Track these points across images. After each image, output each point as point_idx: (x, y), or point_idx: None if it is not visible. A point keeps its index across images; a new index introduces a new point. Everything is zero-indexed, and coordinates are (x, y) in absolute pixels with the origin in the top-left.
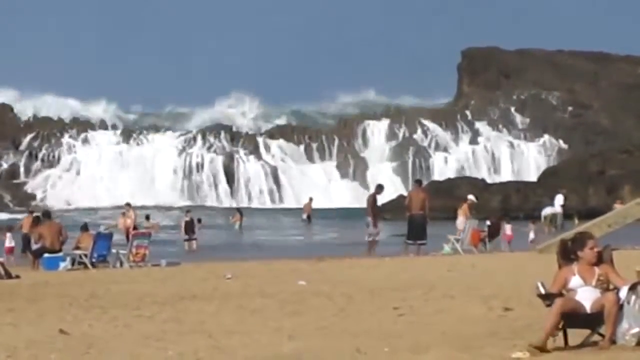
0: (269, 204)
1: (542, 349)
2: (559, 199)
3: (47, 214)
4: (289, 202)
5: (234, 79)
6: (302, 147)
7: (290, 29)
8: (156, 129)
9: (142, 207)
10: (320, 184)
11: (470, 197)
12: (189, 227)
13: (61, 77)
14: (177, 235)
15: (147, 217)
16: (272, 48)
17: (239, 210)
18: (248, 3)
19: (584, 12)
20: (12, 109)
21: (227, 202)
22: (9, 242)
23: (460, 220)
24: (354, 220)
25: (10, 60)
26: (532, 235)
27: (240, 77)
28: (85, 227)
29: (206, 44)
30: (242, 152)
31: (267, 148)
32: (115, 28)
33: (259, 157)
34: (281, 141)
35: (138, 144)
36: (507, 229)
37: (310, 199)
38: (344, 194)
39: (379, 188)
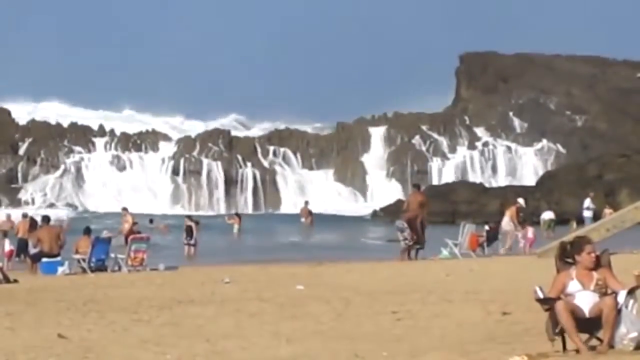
0: (265, 210)
1: (585, 349)
2: (587, 202)
3: (45, 218)
4: (287, 208)
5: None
6: (299, 152)
7: (284, 32)
8: (155, 134)
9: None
10: (318, 190)
11: (520, 200)
12: (189, 232)
13: (58, 83)
14: (173, 240)
15: (151, 221)
16: (267, 49)
17: (238, 214)
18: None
19: (581, 16)
20: (9, 113)
21: (223, 208)
22: (8, 246)
23: (506, 222)
24: (352, 225)
25: (8, 62)
26: (522, 241)
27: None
28: (87, 231)
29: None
30: (239, 157)
31: (265, 153)
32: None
33: (256, 162)
34: (279, 146)
35: (137, 150)
36: (530, 231)
37: (306, 203)
38: (342, 200)
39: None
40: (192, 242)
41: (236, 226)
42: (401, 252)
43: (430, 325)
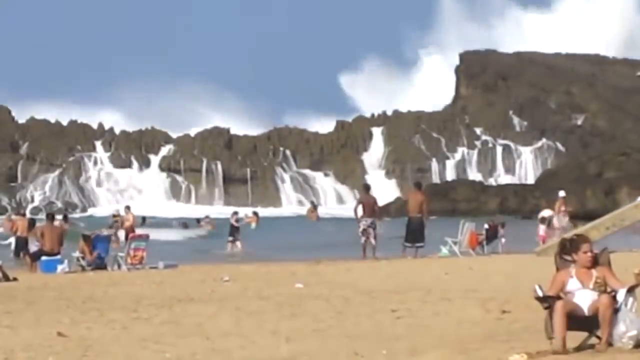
0: (264, 209)
1: (564, 352)
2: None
3: (50, 216)
4: (287, 207)
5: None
6: (299, 151)
7: (276, 31)
8: (154, 132)
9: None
10: (318, 188)
11: (560, 193)
12: (234, 229)
13: (58, 81)
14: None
15: (144, 219)
16: (267, 49)
17: (255, 213)
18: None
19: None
20: (9, 112)
21: (222, 207)
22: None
23: (555, 220)
24: (352, 224)
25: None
26: (503, 240)
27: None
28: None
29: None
30: (239, 156)
31: (264, 152)
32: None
33: (256, 161)
34: (278, 145)
35: (136, 148)
36: (541, 229)
37: (313, 204)
38: (342, 198)
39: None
40: (239, 237)
41: (254, 224)
42: (363, 250)
43: (429, 323)
